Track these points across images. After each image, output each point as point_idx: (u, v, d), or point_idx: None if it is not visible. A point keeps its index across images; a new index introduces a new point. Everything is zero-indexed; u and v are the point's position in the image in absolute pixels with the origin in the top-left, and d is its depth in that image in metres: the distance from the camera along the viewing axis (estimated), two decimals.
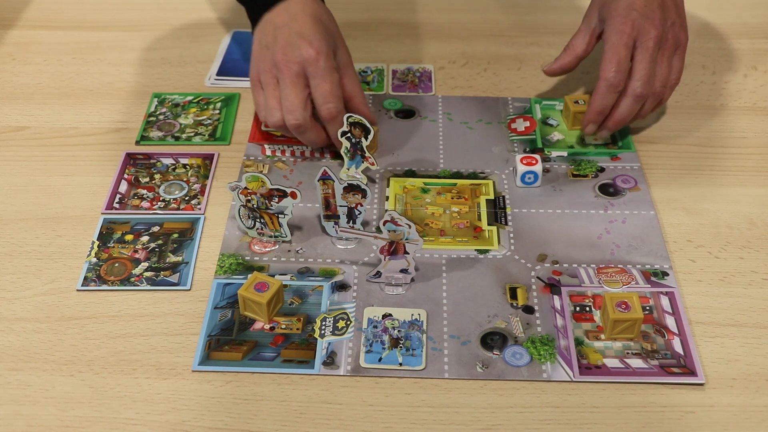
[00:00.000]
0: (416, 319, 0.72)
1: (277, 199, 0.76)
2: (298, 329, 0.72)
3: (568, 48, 0.90)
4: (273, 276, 0.75)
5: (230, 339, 0.71)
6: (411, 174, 0.87)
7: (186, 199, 0.84)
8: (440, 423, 0.65)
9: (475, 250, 0.78)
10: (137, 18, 1.10)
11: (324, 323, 0.72)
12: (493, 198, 0.84)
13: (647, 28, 0.84)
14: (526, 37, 1.07)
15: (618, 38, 0.84)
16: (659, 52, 0.85)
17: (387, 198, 0.84)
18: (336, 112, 0.82)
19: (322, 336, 0.71)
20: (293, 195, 0.75)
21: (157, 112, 0.94)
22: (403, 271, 0.75)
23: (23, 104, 0.96)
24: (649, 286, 0.75)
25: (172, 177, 0.86)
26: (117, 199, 0.83)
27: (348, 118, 0.82)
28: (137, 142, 0.90)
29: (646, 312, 0.73)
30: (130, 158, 0.88)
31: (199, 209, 0.82)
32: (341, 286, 0.75)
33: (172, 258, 0.78)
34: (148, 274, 0.76)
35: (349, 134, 0.83)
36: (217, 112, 0.94)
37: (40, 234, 0.80)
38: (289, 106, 0.82)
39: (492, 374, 0.68)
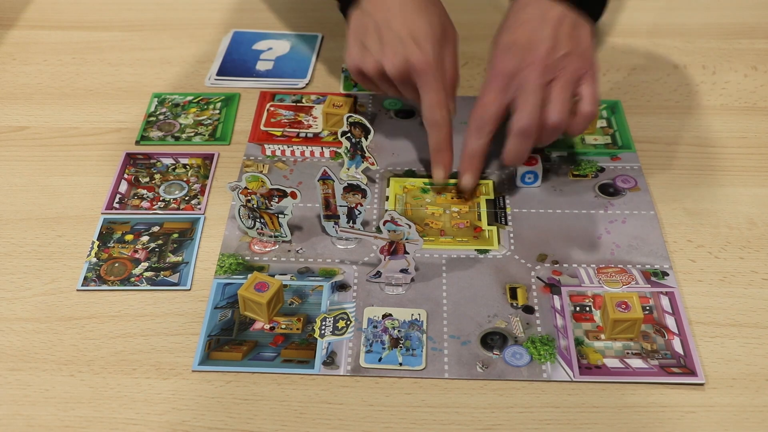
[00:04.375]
0: (416, 319, 0.72)
1: (277, 199, 0.76)
2: (298, 329, 0.72)
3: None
4: (273, 276, 0.75)
5: (230, 339, 0.71)
6: (411, 174, 0.87)
7: (186, 199, 0.84)
8: (440, 423, 0.65)
9: (475, 250, 0.78)
10: (137, 18, 1.10)
11: (324, 323, 0.72)
12: (493, 198, 0.84)
13: (528, 61, 0.78)
14: None
15: (490, 80, 0.79)
16: (549, 85, 0.78)
17: (387, 198, 0.84)
18: (442, 121, 0.81)
19: (322, 336, 0.71)
20: (293, 195, 0.75)
21: (157, 112, 0.94)
22: (403, 271, 0.75)
23: (23, 104, 0.96)
24: (649, 286, 0.75)
25: (172, 177, 0.86)
26: (117, 199, 0.83)
27: (348, 118, 0.82)
28: (137, 142, 0.90)
29: (646, 312, 0.73)
30: (130, 158, 0.88)
31: (199, 209, 0.82)
32: (341, 286, 0.75)
33: (172, 258, 0.78)
34: (148, 274, 0.76)
35: (349, 134, 0.83)
36: (217, 112, 0.94)
37: (40, 234, 0.80)
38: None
39: (492, 374, 0.68)
